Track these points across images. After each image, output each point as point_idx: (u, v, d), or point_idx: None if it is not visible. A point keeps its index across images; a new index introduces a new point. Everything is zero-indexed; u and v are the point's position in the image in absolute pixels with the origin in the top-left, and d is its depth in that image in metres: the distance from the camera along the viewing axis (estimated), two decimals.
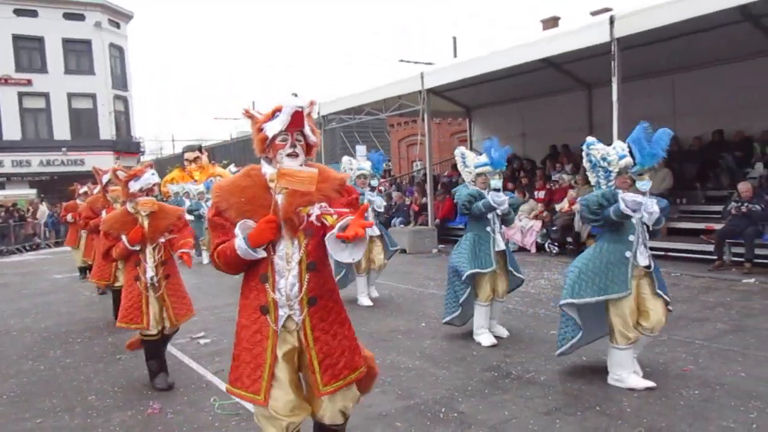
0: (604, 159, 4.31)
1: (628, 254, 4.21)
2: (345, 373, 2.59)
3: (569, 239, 11.13)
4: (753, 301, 6.76)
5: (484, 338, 5.58)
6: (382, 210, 7.85)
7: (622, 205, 4.08)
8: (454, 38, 35.11)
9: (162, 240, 4.69)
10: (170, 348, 5.45)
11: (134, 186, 4.69)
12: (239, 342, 2.59)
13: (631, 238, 4.22)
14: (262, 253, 2.44)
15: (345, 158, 8.09)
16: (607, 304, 4.31)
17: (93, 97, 30.04)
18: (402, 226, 14.35)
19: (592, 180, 4.48)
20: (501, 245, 5.59)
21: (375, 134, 30.97)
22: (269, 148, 2.54)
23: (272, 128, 2.50)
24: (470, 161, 5.60)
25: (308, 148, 2.58)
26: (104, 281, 7.04)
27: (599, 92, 13.15)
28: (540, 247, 11.68)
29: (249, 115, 2.62)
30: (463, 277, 5.48)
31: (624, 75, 9.68)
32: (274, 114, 2.51)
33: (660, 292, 4.33)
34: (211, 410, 4.25)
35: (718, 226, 9.22)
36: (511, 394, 4.30)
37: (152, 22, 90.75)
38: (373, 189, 7.76)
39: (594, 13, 16.52)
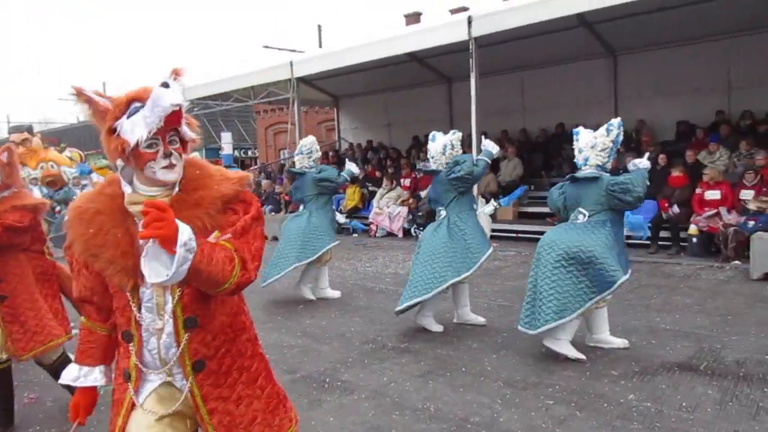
0: (618, 141, 4.47)
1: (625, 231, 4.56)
2: None
3: None
4: None
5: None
6: None
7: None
8: (319, 26, 35.35)
9: None
10: None
11: None
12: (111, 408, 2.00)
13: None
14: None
15: (310, 138, 7.11)
16: None
17: None
18: (273, 214, 14.40)
19: (600, 160, 4.45)
20: None
21: (240, 121, 30.37)
22: (130, 158, 1.72)
23: (133, 131, 1.65)
24: (458, 146, 5.51)
25: (184, 145, 1.81)
26: None
27: (458, 86, 14.07)
28: (406, 232, 12.35)
29: (86, 99, 1.73)
30: None
31: (481, 71, 10.56)
32: (129, 105, 1.68)
33: None
34: None
35: None
36: (389, 362, 4.72)
37: None
38: None
39: (453, 11, 17.57)
